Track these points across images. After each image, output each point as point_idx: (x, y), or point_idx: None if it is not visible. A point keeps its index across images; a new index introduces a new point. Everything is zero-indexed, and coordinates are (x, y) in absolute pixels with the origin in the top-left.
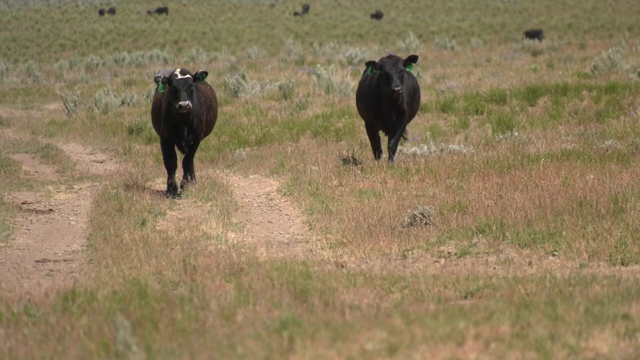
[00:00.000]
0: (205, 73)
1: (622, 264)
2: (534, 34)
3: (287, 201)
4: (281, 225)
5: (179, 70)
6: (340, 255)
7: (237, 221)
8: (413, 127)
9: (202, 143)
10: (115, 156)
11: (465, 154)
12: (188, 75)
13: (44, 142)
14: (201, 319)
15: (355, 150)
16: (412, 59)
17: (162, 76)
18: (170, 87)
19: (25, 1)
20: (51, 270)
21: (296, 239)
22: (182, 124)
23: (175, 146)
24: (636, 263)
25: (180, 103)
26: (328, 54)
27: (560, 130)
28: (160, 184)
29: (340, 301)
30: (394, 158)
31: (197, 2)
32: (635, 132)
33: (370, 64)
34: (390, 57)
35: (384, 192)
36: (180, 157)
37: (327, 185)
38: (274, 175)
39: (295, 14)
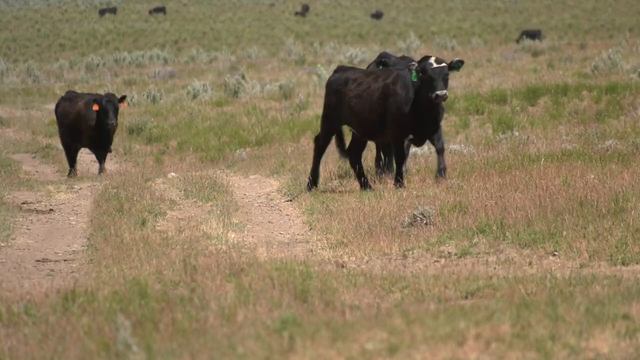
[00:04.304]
0: (461, 62)
1: (623, 263)
2: (533, 34)
3: (287, 201)
4: (281, 225)
5: (433, 58)
6: (341, 255)
7: (237, 221)
8: None
9: (201, 143)
10: (115, 156)
11: (465, 154)
12: (444, 64)
13: (44, 142)
14: (201, 319)
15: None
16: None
17: (415, 64)
18: (425, 76)
19: (25, 1)
20: (51, 270)
21: (296, 239)
22: (428, 116)
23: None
24: (637, 263)
25: (437, 92)
26: (328, 54)
27: (561, 130)
28: (161, 183)
29: (341, 301)
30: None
31: (197, 2)
32: (636, 132)
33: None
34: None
35: (384, 192)
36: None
37: (328, 185)
38: (275, 176)
39: (296, 13)
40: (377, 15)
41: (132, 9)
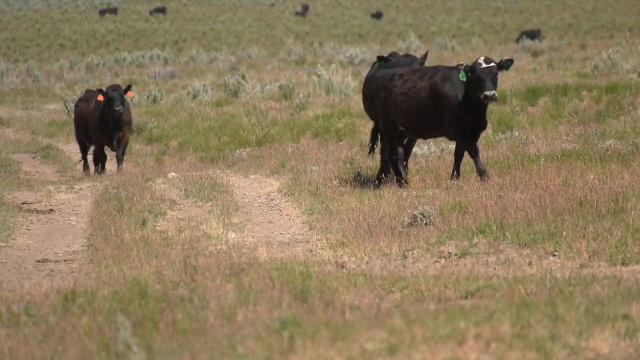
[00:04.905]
0: (511, 61)
1: (623, 264)
2: (532, 34)
3: (287, 201)
4: (281, 225)
5: (482, 58)
6: (341, 255)
7: (237, 221)
8: None
9: (202, 143)
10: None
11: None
12: (493, 64)
13: (44, 142)
14: (201, 319)
15: (355, 150)
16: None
17: (464, 64)
18: (474, 76)
19: (25, 1)
20: (52, 271)
21: (296, 239)
22: (480, 115)
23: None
24: (637, 263)
25: (485, 93)
26: (328, 54)
27: (561, 130)
28: (161, 183)
29: (341, 301)
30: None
31: (197, 2)
32: (636, 132)
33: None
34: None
35: (384, 192)
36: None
37: (327, 186)
38: (275, 176)
39: (296, 13)
40: (377, 15)
41: (133, 9)
